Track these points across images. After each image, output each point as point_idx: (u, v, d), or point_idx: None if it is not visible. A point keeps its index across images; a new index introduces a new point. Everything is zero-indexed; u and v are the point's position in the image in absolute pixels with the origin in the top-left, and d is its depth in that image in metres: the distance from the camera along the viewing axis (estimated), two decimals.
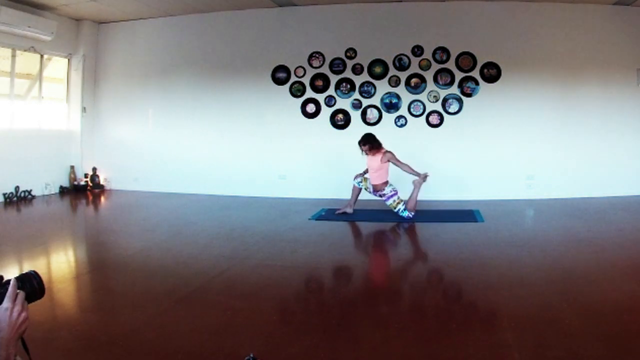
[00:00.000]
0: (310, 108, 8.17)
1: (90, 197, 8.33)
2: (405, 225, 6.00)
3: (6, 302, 1.12)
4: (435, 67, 7.76)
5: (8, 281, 1.16)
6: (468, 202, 7.16)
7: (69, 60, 8.74)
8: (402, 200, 6.26)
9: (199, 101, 8.60)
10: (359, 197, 6.57)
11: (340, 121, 8.09)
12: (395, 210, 6.21)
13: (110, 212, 7.55)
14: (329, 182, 7.99)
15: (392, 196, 6.26)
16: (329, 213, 6.63)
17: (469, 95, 7.72)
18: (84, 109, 8.83)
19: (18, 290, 1.15)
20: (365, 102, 7.98)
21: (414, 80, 7.83)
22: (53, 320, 3.01)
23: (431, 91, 7.80)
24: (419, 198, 6.32)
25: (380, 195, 6.34)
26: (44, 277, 1.22)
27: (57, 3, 7.59)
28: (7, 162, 7.59)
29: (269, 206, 7.31)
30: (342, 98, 8.06)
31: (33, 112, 8.32)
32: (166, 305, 3.30)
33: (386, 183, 6.30)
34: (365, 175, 6.49)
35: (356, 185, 6.50)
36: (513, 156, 7.71)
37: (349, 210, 6.48)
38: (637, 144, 7.53)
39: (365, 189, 6.50)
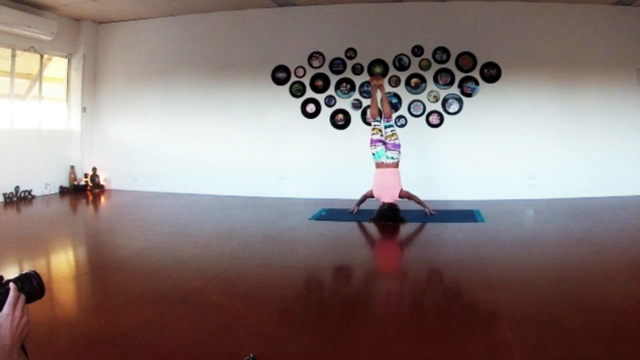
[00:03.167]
0: (310, 108, 8.17)
1: (90, 197, 8.33)
2: (405, 225, 6.00)
3: (7, 309, 1.11)
4: (435, 67, 7.76)
5: (8, 281, 1.15)
6: (468, 202, 7.15)
7: (69, 60, 8.74)
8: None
9: (199, 101, 8.60)
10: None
11: (340, 121, 8.09)
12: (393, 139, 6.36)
13: (110, 212, 7.54)
14: (329, 182, 7.99)
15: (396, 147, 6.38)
16: (329, 213, 6.63)
17: (469, 95, 7.72)
18: (84, 109, 8.84)
19: (19, 294, 1.14)
20: (366, 102, 7.97)
21: (414, 80, 7.83)
22: (53, 320, 3.01)
23: (431, 91, 7.80)
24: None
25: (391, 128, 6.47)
26: (44, 277, 1.21)
27: (57, 3, 7.59)
28: (7, 162, 7.60)
29: (269, 206, 7.31)
30: (342, 98, 8.06)
31: (33, 112, 8.33)
32: (166, 305, 3.30)
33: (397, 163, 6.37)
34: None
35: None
36: (513, 156, 7.71)
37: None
38: (637, 144, 7.53)
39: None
